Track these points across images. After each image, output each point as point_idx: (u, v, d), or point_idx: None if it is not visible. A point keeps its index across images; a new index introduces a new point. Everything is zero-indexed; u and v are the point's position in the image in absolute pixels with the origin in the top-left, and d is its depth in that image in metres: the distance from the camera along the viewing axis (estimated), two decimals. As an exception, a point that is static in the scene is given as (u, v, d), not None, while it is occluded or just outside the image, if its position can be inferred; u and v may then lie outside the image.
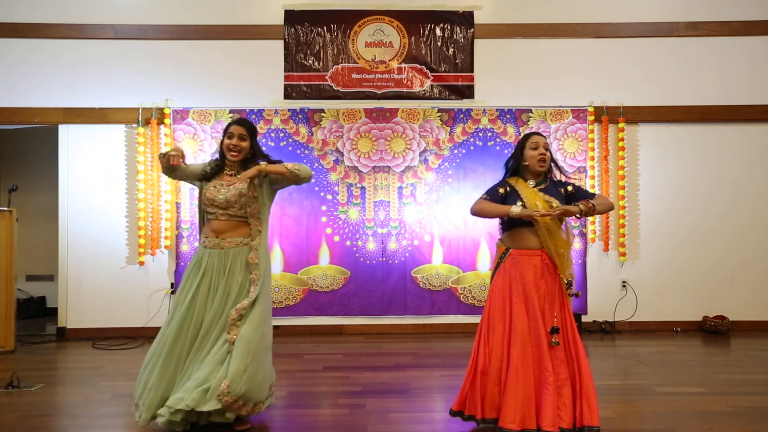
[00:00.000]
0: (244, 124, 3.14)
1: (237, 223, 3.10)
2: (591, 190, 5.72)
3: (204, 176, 3.16)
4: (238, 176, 3.07)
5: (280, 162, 3.20)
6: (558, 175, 3.27)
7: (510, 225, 3.12)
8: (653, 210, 5.82)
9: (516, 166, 3.20)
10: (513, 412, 2.87)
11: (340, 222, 5.69)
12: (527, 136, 3.20)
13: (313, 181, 3.67)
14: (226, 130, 3.13)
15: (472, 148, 5.70)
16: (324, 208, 5.67)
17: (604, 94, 5.77)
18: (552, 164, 3.21)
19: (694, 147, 5.83)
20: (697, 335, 5.60)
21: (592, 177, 5.72)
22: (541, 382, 2.93)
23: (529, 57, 5.80)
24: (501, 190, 3.14)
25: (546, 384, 2.92)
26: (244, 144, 3.10)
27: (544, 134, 5.55)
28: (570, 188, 3.19)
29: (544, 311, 3.01)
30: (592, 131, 5.73)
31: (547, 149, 3.15)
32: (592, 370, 4.50)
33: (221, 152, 3.16)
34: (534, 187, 3.12)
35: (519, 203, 3.04)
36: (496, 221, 3.28)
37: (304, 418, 3.39)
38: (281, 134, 5.66)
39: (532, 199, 3.06)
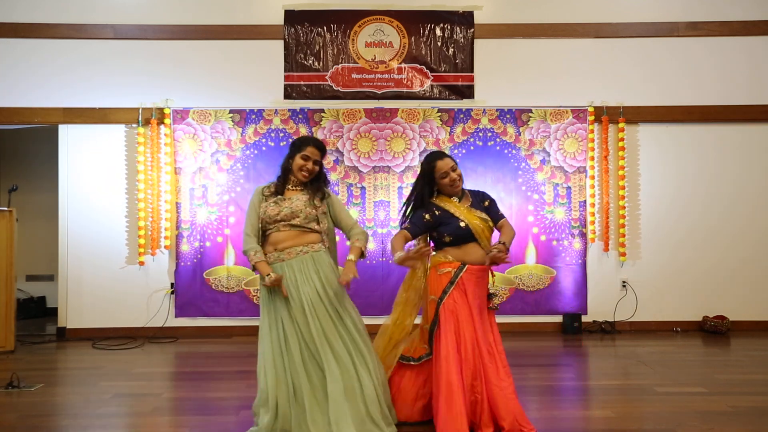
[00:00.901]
0: (323, 149, 3.05)
1: (299, 232, 2.98)
2: (590, 199, 5.72)
3: (264, 197, 3.04)
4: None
5: (327, 182, 3.15)
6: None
7: (459, 241, 3.09)
8: (653, 210, 5.82)
9: (430, 191, 3.16)
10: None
11: (340, 222, 5.68)
12: (432, 165, 3.13)
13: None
14: (300, 148, 3.01)
15: (472, 148, 5.70)
16: (324, 208, 5.66)
17: (604, 94, 5.77)
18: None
19: (694, 147, 5.82)
20: (697, 335, 5.60)
21: (592, 177, 5.72)
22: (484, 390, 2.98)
23: (529, 57, 5.80)
24: (427, 217, 3.10)
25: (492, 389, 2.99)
26: (317, 168, 3.04)
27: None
28: (486, 203, 3.22)
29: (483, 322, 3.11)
30: (592, 131, 5.73)
31: (455, 169, 3.12)
32: (592, 370, 4.54)
33: (288, 169, 3.04)
34: (461, 204, 3.14)
35: (462, 224, 3.06)
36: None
37: (304, 418, 3.38)
38: (281, 134, 5.65)
39: (470, 218, 3.09)
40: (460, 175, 3.15)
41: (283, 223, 2.96)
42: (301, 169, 3.00)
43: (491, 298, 3.16)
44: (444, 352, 2.96)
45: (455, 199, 3.16)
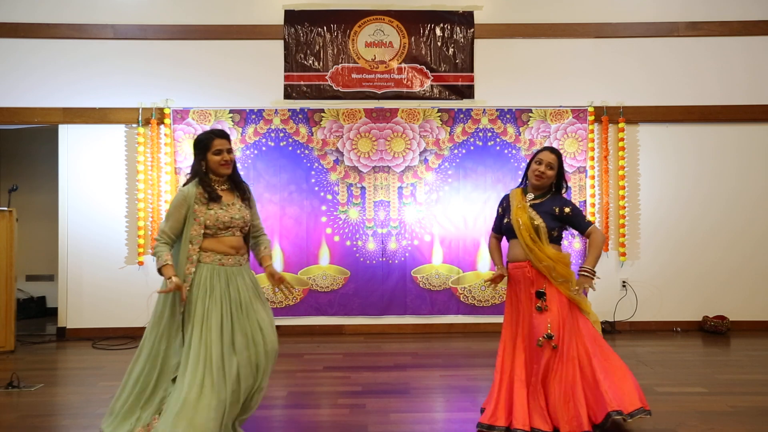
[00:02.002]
0: (227, 136, 2.95)
1: (240, 238, 2.97)
2: (590, 199, 5.72)
3: (201, 203, 2.87)
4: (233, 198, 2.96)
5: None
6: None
7: (508, 236, 3.27)
8: (653, 210, 5.82)
9: (524, 180, 3.32)
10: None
11: (340, 222, 5.69)
12: (540, 150, 3.24)
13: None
14: (207, 145, 2.87)
15: (472, 148, 5.70)
16: (324, 208, 5.67)
17: (604, 94, 5.77)
18: (563, 183, 3.25)
19: (694, 147, 5.82)
20: (697, 335, 5.60)
21: (592, 177, 5.72)
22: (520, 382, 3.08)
23: (529, 57, 5.80)
24: (500, 210, 3.34)
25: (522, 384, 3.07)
26: (232, 156, 2.93)
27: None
28: (567, 210, 3.14)
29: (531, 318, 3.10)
30: (592, 131, 5.73)
31: (552, 168, 3.14)
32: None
33: (205, 170, 2.90)
34: (531, 201, 3.18)
35: (506, 220, 3.22)
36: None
37: (304, 418, 3.39)
38: (281, 134, 5.65)
39: (515, 214, 3.15)
40: (551, 176, 3.14)
41: (234, 228, 2.90)
42: (221, 164, 2.89)
43: (540, 297, 3.07)
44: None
45: (530, 195, 3.21)
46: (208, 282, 2.85)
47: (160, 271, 2.82)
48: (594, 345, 3.08)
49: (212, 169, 2.90)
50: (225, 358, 2.78)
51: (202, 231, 2.85)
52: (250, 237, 3.05)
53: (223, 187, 2.94)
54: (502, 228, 3.28)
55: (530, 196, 3.20)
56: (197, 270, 2.86)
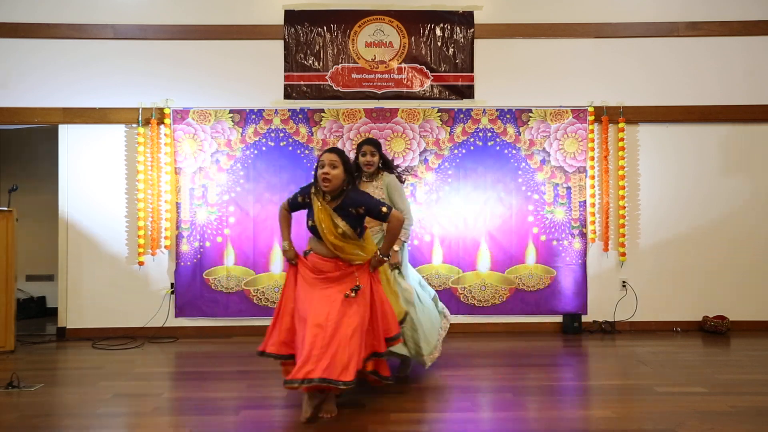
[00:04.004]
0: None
1: None
2: (590, 199, 5.72)
3: None
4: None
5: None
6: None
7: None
8: (653, 210, 5.82)
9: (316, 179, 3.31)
10: None
11: (340, 222, 5.68)
12: (322, 153, 3.31)
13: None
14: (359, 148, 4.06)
15: (472, 148, 5.70)
16: (324, 208, 5.66)
17: (604, 94, 5.77)
18: (352, 176, 3.36)
19: (694, 147, 5.82)
20: (697, 335, 5.60)
21: (592, 177, 5.72)
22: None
23: (529, 57, 5.80)
24: (300, 199, 3.35)
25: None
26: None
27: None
28: (361, 210, 3.25)
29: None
30: (592, 131, 5.73)
31: (336, 166, 3.22)
32: (592, 370, 4.54)
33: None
34: (329, 202, 3.26)
35: (310, 222, 3.28)
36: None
37: (304, 418, 3.38)
38: (281, 134, 5.65)
39: (318, 217, 3.22)
40: (337, 176, 3.25)
41: None
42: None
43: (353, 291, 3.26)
44: None
45: (327, 197, 3.31)
46: None
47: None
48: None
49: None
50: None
51: None
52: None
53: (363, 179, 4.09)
54: (308, 228, 3.31)
55: (329, 197, 3.26)
56: None
